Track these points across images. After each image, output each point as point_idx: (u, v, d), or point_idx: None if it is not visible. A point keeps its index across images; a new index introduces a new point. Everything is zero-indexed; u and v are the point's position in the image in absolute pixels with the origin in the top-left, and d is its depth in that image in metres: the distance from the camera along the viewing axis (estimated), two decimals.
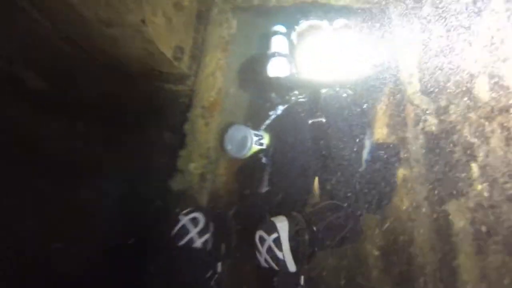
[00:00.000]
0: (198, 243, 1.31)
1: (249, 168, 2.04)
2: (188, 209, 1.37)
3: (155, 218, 1.58)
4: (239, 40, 2.19)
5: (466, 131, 1.38)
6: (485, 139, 1.28)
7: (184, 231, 1.31)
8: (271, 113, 2.04)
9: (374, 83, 1.99)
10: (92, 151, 2.11)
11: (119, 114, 2.10)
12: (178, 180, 1.79)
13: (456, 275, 1.41)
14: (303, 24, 2.05)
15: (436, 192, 1.64)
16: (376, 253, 1.97)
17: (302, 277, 1.29)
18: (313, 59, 1.90)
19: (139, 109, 2.15)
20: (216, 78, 1.93)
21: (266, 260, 1.28)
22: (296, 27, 2.08)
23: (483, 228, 1.32)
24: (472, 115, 1.34)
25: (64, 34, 1.70)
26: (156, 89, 2.08)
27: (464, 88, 1.41)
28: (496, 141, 1.24)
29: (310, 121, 1.93)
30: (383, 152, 1.88)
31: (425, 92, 1.77)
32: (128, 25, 1.64)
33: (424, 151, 1.74)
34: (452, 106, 1.49)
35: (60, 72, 1.91)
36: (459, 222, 1.43)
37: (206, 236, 1.35)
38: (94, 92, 2.02)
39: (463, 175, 1.42)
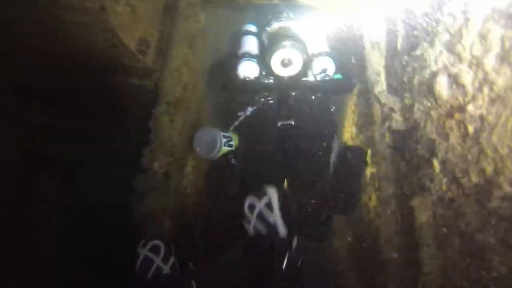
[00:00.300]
0: (166, 269, 1.29)
1: (218, 171, 2.01)
2: (143, 241, 1.33)
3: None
4: (207, 36, 2.12)
5: (428, 129, 1.42)
6: (445, 136, 1.33)
7: (148, 262, 1.28)
8: (240, 113, 2.03)
9: (343, 83, 2.01)
10: (49, 147, 1.95)
11: (80, 109, 1.95)
12: (142, 180, 1.69)
13: (419, 267, 1.45)
14: (274, 25, 2.04)
15: (402, 188, 1.69)
16: (345, 248, 2.00)
17: (295, 239, 1.28)
18: (283, 60, 1.87)
19: (101, 105, 2.02)
20: (182, 74, 1.86)
21: (255, 227, 1.28)
22: (267, 28, 2.06)
23: (443, 222, 1.36)
24: (434, 113, 1.39)
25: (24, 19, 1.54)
26: (119, 83, 1.96)
27: (426, 87, 1.45)
28: (454, 138, 1.28)
29: (279, 123, 1.94)
30: (350, 155, 1.91)
31: (392, 91, 1.81)
32: (88, 12, 1.53)
33: (390, 149, 1.78)
34: (416, 105, 1.54)
35: (21, 62, 1.74)
36: (422, 216, 1.47)
37: (172, 260, 1.32)
38: (55, 84, 1.86)
39: (426, 171, 1.46)
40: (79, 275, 1.70)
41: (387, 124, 1.79)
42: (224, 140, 1.85)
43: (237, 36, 2.05)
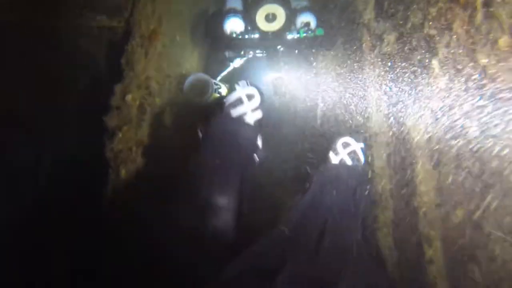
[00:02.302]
0: (251, 119, 1.27)
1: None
2: (244, 82, 1.34)
3: None
4: None
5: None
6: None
7: (239, 103, 1.27)
8: (227, 64, 2.12)
9: (325, 39, 1.97)
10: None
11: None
12: (114, 116, 1.50)
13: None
14: None
15: None
16: None
17: None
18: (267, 15, 1.87)
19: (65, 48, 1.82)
20: (155, 4, 1.70)
21: (341, 160, 1.42)
22: None
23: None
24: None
25: None
26: (86, 23, 1.78)
27: None
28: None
29: (271, 77, 2.09)
30: None
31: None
32: None
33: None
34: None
35: None
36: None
37: (259, 114, 1.28)
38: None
39: None
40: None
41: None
42: (215, 86, 1.92)
43: None
